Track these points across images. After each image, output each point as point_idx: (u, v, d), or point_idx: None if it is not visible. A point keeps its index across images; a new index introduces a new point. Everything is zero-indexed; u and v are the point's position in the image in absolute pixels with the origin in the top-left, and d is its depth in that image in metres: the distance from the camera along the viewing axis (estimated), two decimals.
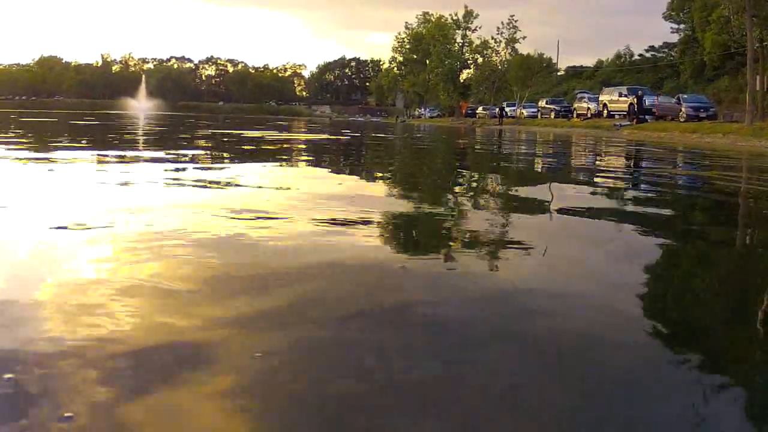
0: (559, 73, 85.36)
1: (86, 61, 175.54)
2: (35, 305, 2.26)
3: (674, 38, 66.17)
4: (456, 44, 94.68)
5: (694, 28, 56.51)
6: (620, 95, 45.37)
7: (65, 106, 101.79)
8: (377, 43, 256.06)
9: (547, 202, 6.07)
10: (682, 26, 63.27)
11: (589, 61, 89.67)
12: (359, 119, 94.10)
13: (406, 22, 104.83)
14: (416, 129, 36.92)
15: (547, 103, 58.62)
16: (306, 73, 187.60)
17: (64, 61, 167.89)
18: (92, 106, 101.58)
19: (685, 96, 41.71)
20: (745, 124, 32.94)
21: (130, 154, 10.45)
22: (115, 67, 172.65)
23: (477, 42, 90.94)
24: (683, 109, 38.54)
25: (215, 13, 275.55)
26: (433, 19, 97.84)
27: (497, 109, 64.09)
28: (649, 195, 7.22)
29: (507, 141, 22.65)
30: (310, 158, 11.75)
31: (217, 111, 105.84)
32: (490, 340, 2.07)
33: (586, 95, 53.35)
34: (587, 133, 36.28)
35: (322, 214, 4.35)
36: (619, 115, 43.68)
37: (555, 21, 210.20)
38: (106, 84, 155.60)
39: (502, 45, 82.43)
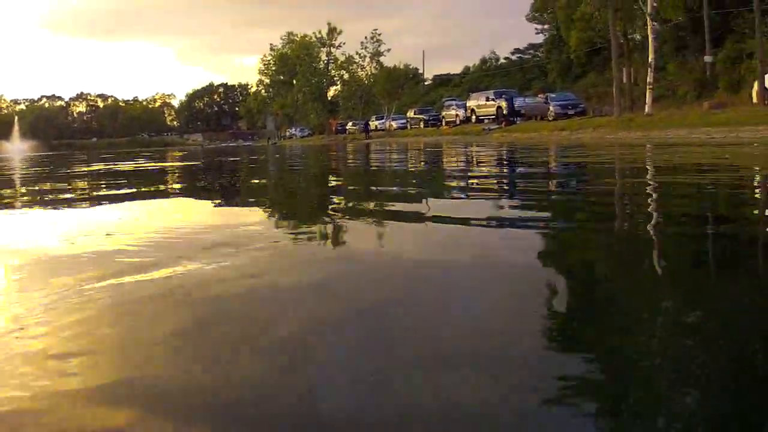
0: (426, 83, 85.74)
1: None
2: None
3: (539, 39, 67.01)
4: (321, 62, 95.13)
5: (559, 28, 56.95)
6: (487, 99, 45.12)
7: None
8: (246, 66, 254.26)
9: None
10: (546, 27, 63.93)
11: (456, 69, 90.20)
12: (231, 144, 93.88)
13: (271, 44, 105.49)
14: (287, 150, 35.84)
15: (415, 114, 58.15)
16: (176, 103, 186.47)
17: None
18: None
19: (552, 95, 41.61)
20: (614, 116, 33.00)
21: None
22: None
23: (342, 58, 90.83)
24: (551, 107, 38.17)
25: (84, 47, 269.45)
26: (298, 39, 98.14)
27: (367, 124, 63.29)
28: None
29: (375, 154, 21.65)
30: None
31: (90, 147, 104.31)
32: None
33: (453, 102, 53.06)
34: (456, 140, 35.06)
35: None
36: (488, 119, 43.16)
37: (419, 31, 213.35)
38: None
39: (367, 59, 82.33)
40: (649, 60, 32.45)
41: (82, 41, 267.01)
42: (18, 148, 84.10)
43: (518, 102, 42.63)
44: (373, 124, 65.68)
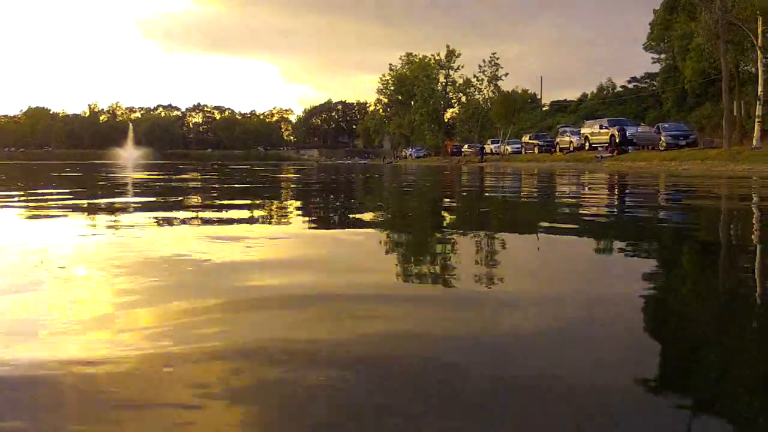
0: (543, 108, 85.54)
1: (74, 111, 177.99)
2: None
3: (655, 68, 66.59)
4: (439, 84, 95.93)
5: (675, 57, 56.81)
6: (601, 128, 45.52)
7: (57, 157, 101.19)
8: (364, 85, 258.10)
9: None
10: (662, 56, 63.62)
11: (573, 95, 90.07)
12: (347, 162, 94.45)
13: (390, 64, 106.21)
14: (403, 170, 36.62)
15: (530, 139, 58.86)
16: (293, 118, 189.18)
17: (51, 112, 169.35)
18: (82, 156, 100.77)
19: (665, 125, 41.91)
20: (723, 148, 33.21)
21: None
22: (103, 117, 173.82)
23: (460, 81, 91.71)
24: (663, 137, 38.68)
25: (201, 62, 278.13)
26: (417, 60, 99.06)
27: (482, 147, 64.70)
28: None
29: (491, 178, 22.14)
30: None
31: (207, 158, 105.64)
32: None
33: (568, 129, 53.62)
34: (568, 167, 36.23)
35: None
36: (601, 147, 43.73)
37: (538, 57, 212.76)
38: (94, 134, 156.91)
39: (485, 83, 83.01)
40: (759, 93, 32.76)
41: (197, 57, 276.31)
42: (131, 155, 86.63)
43: (631, 131, 42.87)
44: (488, 147, 66.68)
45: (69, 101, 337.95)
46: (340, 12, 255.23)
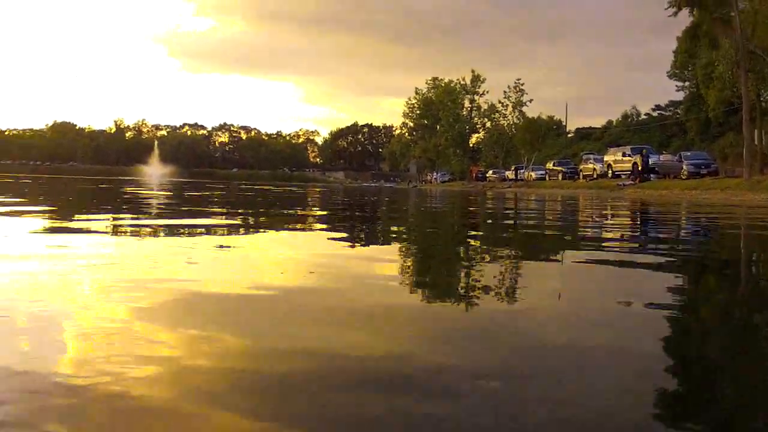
0: (568, 135, 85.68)
1: (99, 126, 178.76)
2: None
3: (680, 96, 66.54)
4: (465, 109, 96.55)
5: (698, 85, 56.75)
6: (624, 155, 46.01)
7: (85, 173, 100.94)
8: (390, 109, 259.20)
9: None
10: (686, 84, 63.55)
11: (598, 122, 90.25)
12: (372, 185, 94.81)
13: (416, 88, 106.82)
14: (428, 194, 36.87)
15: (554, 165, 59.52)
16: (319, 140, 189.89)
17: (77, 127, 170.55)
18: (109, 172, 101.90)
19: (687, 153, 42.42)
20: (744, 178, 33.53)
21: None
22: (129, 134, 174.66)
23: (485, 106, 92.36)
24: (684, 166, 39.16)
25: (226, 81, 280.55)
26: (443, 84, 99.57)
27: (506, 172, 65.49)
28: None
29: (513, 203, 22.33)
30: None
31: (232, 178, 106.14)
32: None
33: (591, 156, 54.16)
34: (591, 194, 36.63)
35: None
36: (624, 174, 44.18)
37: (563, 83, 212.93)
38: (119, 150, 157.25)
39: (510, 108, 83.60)
40: None
41: (222, 76, 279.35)
42: (156, 173, 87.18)
43: (653, 159, 43.30)
44: (512, 173, 67.22)
45: (94, 116, 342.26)
46: (365, 33, 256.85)
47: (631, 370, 2.22)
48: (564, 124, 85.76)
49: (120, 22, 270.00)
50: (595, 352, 2.44)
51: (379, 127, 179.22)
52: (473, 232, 9.75)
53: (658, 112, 72.91)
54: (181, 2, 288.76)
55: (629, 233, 9.81)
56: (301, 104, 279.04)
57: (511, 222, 12.11)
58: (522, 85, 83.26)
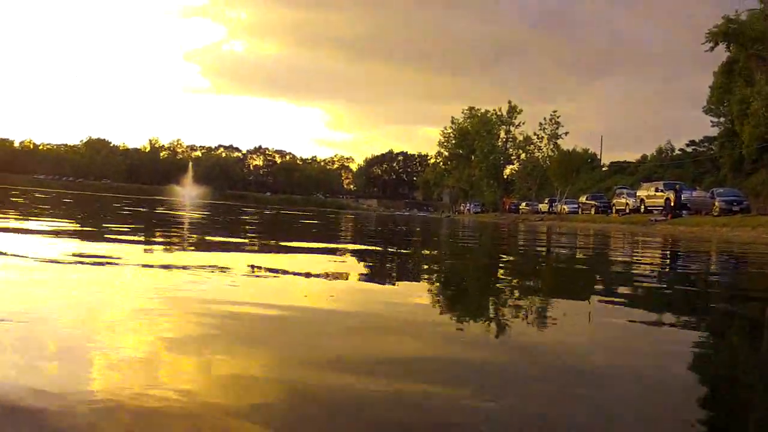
0: (603, 169, 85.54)
1: (134, 144, 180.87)
2: None
3: (714, 132, 66.36)
4: (500, 139, 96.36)
5: (733, 121, 56.76)
6: (657, 190, 46.32)
7: (122, 191, 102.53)
8: (425, 136, 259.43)
9: None
10: (721, 119, 63.41)
11: (633, 156, 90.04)
12: (405, 213, 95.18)
13: (453, 117, 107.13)
14: (461, 225, 37.04)
15: (587, 199, 59.67)
16: (353, 167, 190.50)
17: (111, 144, 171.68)
18: (143, 191, 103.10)
19: (719, 190, 42.55)
20: None
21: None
22: (163, 153, 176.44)
23: (520, 137, 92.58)
24: (716, 203, 39.30)
25: (261, 104, 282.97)
26: (479, 114, 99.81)
27: (538, 205, 66.27)
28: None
29: (553, 239, 22.36)
30: None
31: (265, 202, 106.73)
32: None
33: (624, 191, 54.43)
34: (622, 229, 36.87)
35: None
36: (657, 210, 44.39)
37: (599, 117, 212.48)
38: (153, 169, 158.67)
39: (545, 140, 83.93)
40: None
41: (259, 99, 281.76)
42: (189, 193, 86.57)
43: (686, 195, 43.37)
44: (545, 206, 67.68)
45: (129, 134, 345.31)
46: (402, 61, 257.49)
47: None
48: (598, 157, 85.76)
49: (153, 42, 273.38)
50: None
51: (414, 155, 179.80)
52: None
53: (693, 147, 72.90)
54: (215, 24, 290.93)
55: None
56: (336, 130, 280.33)
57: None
58: (558, 117, 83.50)
